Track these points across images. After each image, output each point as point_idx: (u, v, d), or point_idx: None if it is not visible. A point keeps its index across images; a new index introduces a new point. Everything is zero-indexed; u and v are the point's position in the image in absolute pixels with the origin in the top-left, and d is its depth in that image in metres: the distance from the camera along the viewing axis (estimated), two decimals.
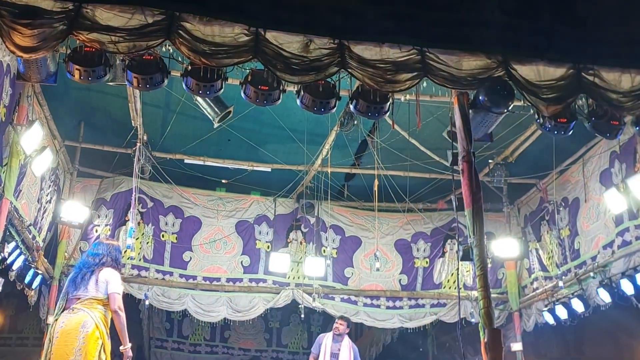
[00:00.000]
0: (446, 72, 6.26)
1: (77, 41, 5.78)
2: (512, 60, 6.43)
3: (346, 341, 9.37)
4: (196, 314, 11.31)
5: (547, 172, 10.59)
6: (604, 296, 9.29)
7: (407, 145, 9.64)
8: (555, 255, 10.82)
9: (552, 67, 6.53)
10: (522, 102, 6.80)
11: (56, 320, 5.82)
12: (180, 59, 6.25)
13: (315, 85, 6.22)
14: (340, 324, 9.45)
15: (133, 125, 9.31)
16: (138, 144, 9.70)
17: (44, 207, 9.75)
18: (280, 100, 6.37)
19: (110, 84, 6.70)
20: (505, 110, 6.60)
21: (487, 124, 6.82)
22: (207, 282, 11.44)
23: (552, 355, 13.79)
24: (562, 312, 10.20)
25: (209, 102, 8.06)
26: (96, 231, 11.01)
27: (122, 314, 5.84)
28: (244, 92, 6.29)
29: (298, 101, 6.37)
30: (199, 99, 7.96)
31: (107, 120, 10.07)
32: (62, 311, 5.84)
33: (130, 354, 5.91)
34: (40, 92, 8.67)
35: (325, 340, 9.38)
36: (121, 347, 5.87)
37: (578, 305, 9.87)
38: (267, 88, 6.21)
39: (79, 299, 5.83)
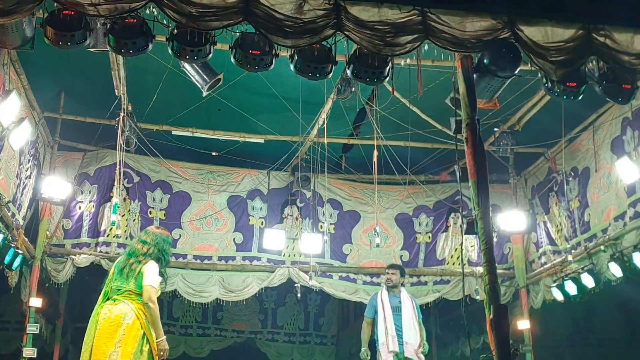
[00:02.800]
0: (449, 34, 6.23)
1: (55, 4, 5.73)
2: (518, 21, 6.40)
3: (405, 293, 8.92)
4: (187, 295, 11.35)
5: (556, 141, 10.59)
6: (615, 271, 9.33)
7: (408, 113, 9.60)
8: (564, 228, 10.87)
9: (561, 28, 6.50)
10: (529, 65, 6.78)
11: (100, 308, 6.07)
12: (165, 22, 6.20)
13: (309, 49, 6.18)
14: (392, 272, 8.95)
15: (117, 94, 9.24)
16: (122, 115, 9.65)
17: (24, 182, 9.73)
18: (272, 66, 6.34)
19: (92, 50, 6.64)
20: (512, 74, 6.58)
21: (493, 89, 6.81)
22: (198, 261, 11.48)
23: (561, 333, 13.95)
24: (571, 288, 10.25)
25: (197, 69, 8.00)
26: (79, 208, 11.02)
27: (154, 306, 6.00)
28: (234, 57, 6.25)
29: (292, 66, 6.33)
30: (186, 65, 7.91)
31: (89, 90, 10.00)
32: (105, 300, 6.11)
33: (166, 346, 6.07)
34: (17, 60, 8.59)
35: (381, 297, 8.86)
36: (156, 340, 6.02)
37: (588, 281, 9.92)
38: (258, 52, 6.17)
39: (119, 289, 6.09)
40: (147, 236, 6.40)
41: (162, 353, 6.05)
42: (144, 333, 5.95)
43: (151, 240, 6.32)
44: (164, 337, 6.08)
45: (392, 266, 9.31)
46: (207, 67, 8.05)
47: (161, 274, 6.24)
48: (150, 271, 6.12)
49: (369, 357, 8.73)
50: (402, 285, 9.03)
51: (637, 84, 6.72)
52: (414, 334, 8.52)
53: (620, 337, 14.06)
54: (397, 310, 8.66)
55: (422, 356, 8.57)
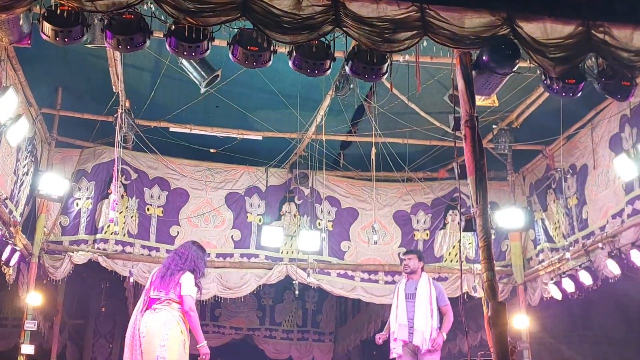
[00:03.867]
0: (448, 31, 6.21)
1: None
2: (517, 17, 6.38)
3: (424, 278, 8.40)
4: None
5: (554, 138, 10.58)
6: (613, 268, 9.32)
7: (407, 110, 9.59)
8: (562, 225, 10.86)
9: (560, 25, 6.47)
10: (528, 62, 6.75)
11: (141, 316, 6.50)
12: (163, 18, 6.17)
13: (308, 45, 6.16)
14: (409, 258, 8.50)
15: (114, 91, 9.22)
16: (120, 111, 9.62)
17: (21, 179, 9.70)
18: (271, 62, 6.32)
19: (89, 46, 6.63)
20: (510, 71, 6.56)
21: (491, 86, 6.78)
22: None
23: (558, 330, 13.92)
24: (568, 285, 10.24)
25: (195, 65, 7.98)
26: (77, 205, 10.99)
27: (194, 314, 6.51)
28: (232, 54, 6.23)
29: (290, 63, 6.31)
30: (184, 61, 7.89)
31: (87, 86, 9.98)
32: (145, 309, 6.54)
33: (207, 350, 6.57)
34: (15, 56, 8.56)
35: (398, 285, 8.63)
36: (197, 345, 6.54)
37: (586, 278, 9.91)
38: (256, 49, 6.15)
39: (159, 299, 6.54)
40: (184, 249, 6.93)
41: (204, 357, 6.55)
42: (184, 339, 6.47)
43: (188, 253, 6.83)
44: (205, 342, 6.58)
45: (407, 252, 8.91)
46: (205, 64, 8.03)
47: (196, 284, 6.69)
48: (188, 282, 6.60)
49: (380, 341, 8.49)
50: (422, 270, 8.58)
51: (636, 80, 6.70)
52: (426, 322, 8.09)
53: (617, 335, 14.03)
54: (411, 297, 8.31)
55: (438, 344, 8.06)
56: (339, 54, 6.56)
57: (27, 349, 9.76)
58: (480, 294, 11.07)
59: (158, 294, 6.59)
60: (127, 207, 11.21)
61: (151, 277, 6.81)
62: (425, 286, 8.33)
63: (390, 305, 12.85)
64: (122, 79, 9.02)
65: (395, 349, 8.25)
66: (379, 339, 8.53)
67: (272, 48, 6.20)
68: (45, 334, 12.05)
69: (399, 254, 8.97)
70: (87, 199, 11.06)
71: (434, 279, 11.77)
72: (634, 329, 13.55)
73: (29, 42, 6.34)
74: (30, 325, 9.90)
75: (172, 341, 6.38)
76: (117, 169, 10.22)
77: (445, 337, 8.13)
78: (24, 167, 9.73)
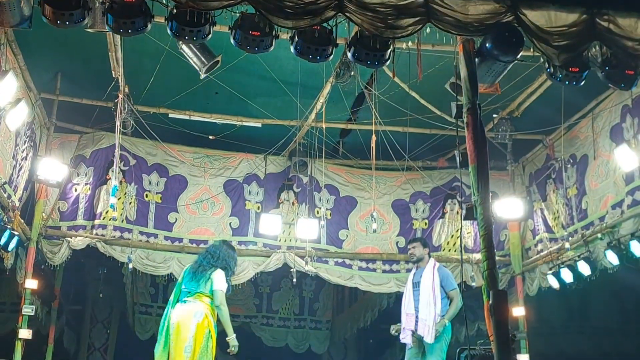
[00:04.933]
0: (451, 17, 6.16)
1: None
2: (522, 5, 6.34)
3: (429, 265, 8.35)
4: None
5: (555, 128, 10.54)
6: (612, 258, 9.31)
7: (407, 98, 9.53)
8: (561, 215, 10.84)
9: (564, 13, 6.44)
10: (531, 50, 6.71)
11: (173, 308, 7.06)
12: (164, 2, 6.12)
13: (310, 30, 6.11)
14: (413, 247, 8.53)
15: (114, 76, 9.16)
16: (119, 97, 9.56)
17: (20, 164, 9.64)
18: (272, 47, 6.26)
19: (89, 30, 6.55)
20: (514, 59, 6.51)
21: (494, 74, 6.75)
22: (194, 245, 11.40)
23: (556, 320, 13.97)
24: (567, 276, 10.22)
25: (195, 50, 7.92)
26: (75, 190, 10.94)
27: (225, 308, 7.01)
28: (234, 38, 6.17)
29: (292, 48, 6.25)
30: (184, 47, 7.82)
31: (86, 71, 9.91)
32: (177, 302, 7.09)
33: (236, 342, 7.09)
34: (14, 40, 8.49)
35: (409, 275, 8.65)
36: (227, 338, 7.06)
37: (584, 268, 9.89)
38: (258, 34, 6.10)
39: (190, 292, 7.07)
40: (215, 248, 7.44)
41: (233, 349, 7.08)
42: (209, 331, 6.90)
43: (220, 252, 7.34)
44: (234, 335, 7.08)
45: (411, 241, 8.90)
46: (205, 49, 7.97)
47: (227, 281, 7.20)
48: (219, 278, 7.10)
49: (395, 332, 8.43)
50: (429, 256, 8.57)
51: (639, 70, 6.66)
52: (429, 311, 8.04)
53: (614, 325, 14.08)
54: (417, 286, 8.30)
55: (437, 330, 7.96)
56: (340, 41, 6.51)
57: (25, 333, 9.74)
58: (478, 283, 11.08)
59: (189, 288, 7.10)
60: (125, 193, 11.16)
61: (183, 272, 7.35)
62: (429, 274, 8.28)
63: (387, 294, 12.99)
64: (122, 64, 8.96)
65: (405, 338, 8.26)
66: (393, 330, 8.49)
67: (274, 33, 6.15)
68: (42, 319, 12.03)
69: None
70: (86, 184, 11.01)
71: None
72: (631, 320, 13.59)
73: (30, 24, 6.26)
74: (28, 310, 9.86)
75: (198, 333, 6.82)
76: (117, 155, 10.14)
77: (447, 322, 8.04)
78: (22, 152, 9.68)
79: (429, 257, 8.52)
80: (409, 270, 11.86)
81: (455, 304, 8.16)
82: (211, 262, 7.23)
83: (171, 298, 7.24)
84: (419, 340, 8.15)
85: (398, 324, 8.42)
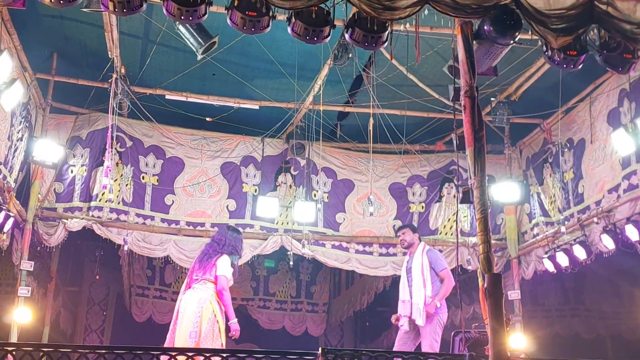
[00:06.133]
0: None
1: None
2: None
3: (419, 250, 8.45)
4: (179, 261, 11.30)
5: (552, 111, 10.53)
6: (608, 242, 9.33)
7: (405, 81, 9.51)
8: (557, 199, 10.86)
9: None
10: (529, 33, 6.68)
11: (183, 295, 7.37)
12: None
13: (307, 11, 6.04)
14: (402, 233, 8.63)
15: (110, 56, 9.12)
16: (115, 77, 9.52)
17: (15, 145, 9.61)
18: (269, 28, 6.21)
19: (85, 10, 6.54)
20: (512, 42, 6.47)
21: (492, 57, 6.70)
22: (191, 228, 11.42)
23: (551, 304, 14.04)
24: (562, 260, 10.26)
25: (192, 31, 7.88)
26: (71, 172, 10.92)
27: (227, 293, 7.28)
28: (230, 19, 6.11)
29: (289, 29, 6.20)
30: (181, 27, 7.79)
31: (82, 52, 9.87)
32: (186, 289, 7.39)
33: (237, 327, 7.27)
34: (9, 20, 8.42)
35: (404, 263, 8.69)
36: (229, 322, 7.26)
37: (580, 252, 9.93)
38: (255, 14, 6.02)
39: (197, 279, 7.36)
40: (220, 235, 7.76)
41: (234, 333, 7.26)
42: (215, 316, 7.14)
43: (225, 238, 7.63)
44: (236, 319, 7.29)
45: (400, 228, 9.03)
46: (202, 30, 7.93)
47: (233, 265, 7.49)
48: (224, 264, 7.38)
49: (395, 322, 8.47)
50: (420, 240, 8.65)
51: (638, 53, 6.63)
52: (419, 294, 8.14)
53: (609, 309, 14.14)
54: (409, 271, 8.41)
55: (427, 312, 8.03)
56: (338, 23, 6.47)
57: (21, 315, 9.75)
58: (473, 266, 11.12)
59: (197, 275, 7.38)
60: (122, 175, 11.14)
61: (193, 262, 7.64)
62: (418, 258, 8.39)
63: (384, 277, 13.02)
64: (118, 45, 8.92)
65: (403, 325, 8.31)
66: (393, 319, 8.53)
67: (270, 14, 6.09)
68: (39, 300, 12.03)
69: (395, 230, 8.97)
70: (82, 166, 10.99)
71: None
72: (626, 304, 13.64)
73: (24, 3, 6.21)
74: (23, 291, 9.88)
75: (203, 318, 7.06)
76: (112, 136, 10.11)
77: (438, 304, 8.10)
78: (18, 133, 9.64)
79: (419, 241, 8.61)
80: (406, 254, 11.99)
81: (446, 285, 8.24)
82: (217, 249, 7.53)
83: (182, 287, 7.56)
84: (414, 324, 8.21)
85: (396, 314, 8.49)
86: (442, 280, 8.26)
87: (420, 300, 8.12)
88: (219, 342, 7.12)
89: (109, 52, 9.02)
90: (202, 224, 11.49)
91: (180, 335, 7.10)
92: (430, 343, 8.02)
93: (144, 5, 6.00)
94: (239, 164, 11.77)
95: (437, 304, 8.07)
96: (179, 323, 7.21)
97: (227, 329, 7.31)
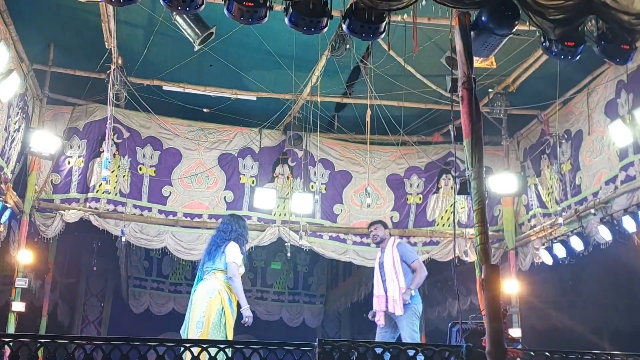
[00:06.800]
0: None
1: None
2: None
3: (390, 244, 8.59)
4: (176, 252, 11.33)
5: (550, 103, 10.52)
6: (605, 234, 9.37)
7: (403, 72, 9.50)
8: (555, 191, 10.87)
9: None
10: (527, 24, 6.66)
11: (196, 287, 7.44)
12: None
13: (305, 2, 6.01)
14: (375, 228, 8.76)
15: (107, 47, 9.09)
16: (112, 68, 9.49)
17: (12, 136, 9.59)
18: (266, 19, 6.19)
19: (82, 0, 6.50)
20: (509, 33, 6.47)
21: (490, 48, 6.71)
22: (188, 219, 11.43)
23: (548, 295, 14.03)
24: (560, 251, 10.29)
25: (189, 22, 7.87)
26: (68, 163, 10.91)
27: (236, 280, 7.26)
28: (227, 9, 6.09)
29: (286, 20, 6.18)
30: (178, 18, 7.77)
31: (79, 42, 9.83)
32: (199, 281, 7.44)
33: (249, 313, 7.28)
34: (6, 11, 8.38)
35: (376, 259, 8.81)
36: (241, 309, 7.26)
37: (577, 244, 9.97)
38: (252, 4, 6.00)
39: (207, 270, 7.39)
40: (225, 225, 7.72)
41: (246, 319, 7.27)
42: (223, 307, 7.15)
43: (233, 225, 7.64)
44: (248, 305, 7.29)
45: (372, 223, 9.08)
46: (199, 21, 7.91)
47: (243, 251, 7.53)
48: (232, 250, 7.38)
49: (371, 317, 8.60)
50: (391, 235, 8.86)
51: (635, 44, 6.63)
52: (393, 287, 8.28)
53: (606, 301, 14.15)
54: (382, 266, 8.55)
55: (404, 299, 8.16)
56: (335, 13, 6.45)
57: (18, 306, 9.76)
58: (471, 258, 11.13)
59: (207, 267, 7.41)
60: (119, 166, 11.14)
61: (203, 254, 7.69)
62: (389, 252, 8.52)
63: None
64: (115, 35, 8.89)
65: (379, 320, 8.42)
66: (370, 315, 8.65)
67: (268, 4, 6.07)
68: (36, 291, 12.05)
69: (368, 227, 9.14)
70: (79, 157, 10.98)
71: (425, 243, 11.98)
72: (623, 295, 13.65)
73: None
74: (21, 282, 9.87)
75: (210, 309, 7.12)
76: (109, 127, 10.09)
77: (413, 292, 8.25)
78: (15, 124, 9.62)
79: (390, 236, 8.77)
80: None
81: (419, 274, 8.41)
82: (224, 237, 7.52)
83: (195, 281, 7.61)
84: (390, 318, 8.33)
85: (373, 310, 8.59)
86: (414, 271, 8.42)
87: (395, 292, 8.26)
88: (224, 335, 7.12)
89: (106, 43, 8.99)
90: (200, 215, 11.50)
91: (190, 327, 7.22)
92: (410, 334, 8.15)
93: None
94: (236, 155, 11.77)
95: (412, 292, 8.22)
96: (191, 316, 7.27)
97: (240, 316, 7.33)
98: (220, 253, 7.39)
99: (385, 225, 8.92)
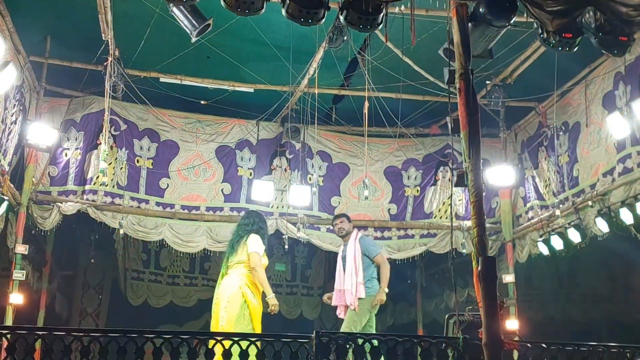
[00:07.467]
0: None
1: None
2: None
3: (352, 237, 8.58)
4: (174, 245, 11.32)
5: (548, 95, 10.52)
6: (602, 226, 9.38)
7: (400, 64, 9.47)
8: (552, 183, 10.88)
9: None
10: (524, 16, 6.65)
11: (220, 281, 7.60)
12: None
13: None
14: (341, 221, 8.73)
15: (104, 39, 9.05)
16: (109, 59, 9.46)
17: (9, 128, 9.57)
18: (263, 10, 6.17)
19: None
20: (507, 24, 6.45)
21: (487, 39, 6.68)
22: (186, 211, 11.42)
23: (545, 287, 14.08)
24: (557, 243, 10.31)
25: (186, 13, 7.80)
26: (65, 155, 10.88)
27: (260, 270, 7.45)
28: (224, 0, 6.08)
29: (283, 11, 6.16)
30: (175, 9, 7.71)
31: (76, 34, 9.80)
32: (224, 276, 7.58)
33: (275, 302, 7.48)
34: (2, 2, 8.32)
35: (339, 252, 8.83)
36: (266, 298, 7.44)
37: (574, 236, 9.99)
38: None
39: (231, 265, 7.57)
40: (245, 219, 8.00)
41: (273, 308, 7.48)
42: (245, 300, 7.28)
43: (251, 219, 7.88)
44: (273, 294, 7.47)
45: (337, 216, 9.06)
46: (196, 12, 7.86)
47: (263, 243, 7.68)
48: (254, 241, 7.59)
49: (327, 300, 8.73)
50: (353, 229, 8.82)
51: (633, 36, 6.62)
52: (352, 280, 8.26)
53: (603, 292, 14.21)
54: (344, 260, 8.53)
55: (380, 300, 8.20)
56: (333, 5, 6.43)
57: (16, 298, 9.76)
58: (468, 250, 11.13)
59: (231, 262, 7.59)
60: (116, 158, 11.11)
61: (228, 246, 7.92)
62: (352, 246, 8.49)
63: None
64: (112, 27, 8.85)
65: (340, 314, 8.47)
66: (326, 297, 8.78)
67: None
68: (34, 284, 12.05)
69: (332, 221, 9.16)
70: (76, 149, 10.95)
71: (423, 235, 11.99)
72: (620, 287, 13.72)
73: None
74: (18, 275, 9.87)
75: (232, 304, 7.25)
76: (107, 119, 10.06)
77: (386, 290, 8.27)
78: (12, 116, 9.59)
79: (353, 230, 8.75)
80: (400, 237, 12.06)
81: (384, 269, 8.41)
82: (246, 229, 7.75)
83: (219, 276, 7.74)
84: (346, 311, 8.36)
85: (330, 292, 8.67)
86: (377, 265, 8.41)
87: (352, 286, 8.25)
88: (250, 327, 7.19)
89: (103, 35, 8.95)
90: (197, 208, 11.49)
91: (213, 322, 7.39)
92: (347, 325, 8.16)
93: None
94: (234, 147, 11.76)
95: (385, 290, 8.25)
96: (213, 310, 7.45)
97: (266, 304, 7.49)
98: (242, 244, 7.59)
99: (349, 219, 8.89)
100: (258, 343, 5.29)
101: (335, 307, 8.56)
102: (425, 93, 10.55)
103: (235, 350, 5.19)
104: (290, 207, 11.52)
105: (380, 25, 6.40)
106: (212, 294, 14.98)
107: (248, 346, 5.20)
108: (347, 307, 8.30)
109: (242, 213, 11.35)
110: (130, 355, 5.08)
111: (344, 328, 8.11)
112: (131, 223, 11.02)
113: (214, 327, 7.38)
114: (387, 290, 8.27)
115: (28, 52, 9.77)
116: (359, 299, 8.16)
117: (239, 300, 7.28)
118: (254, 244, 7.58)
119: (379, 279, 8.32)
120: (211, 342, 5.27)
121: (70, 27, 9.66)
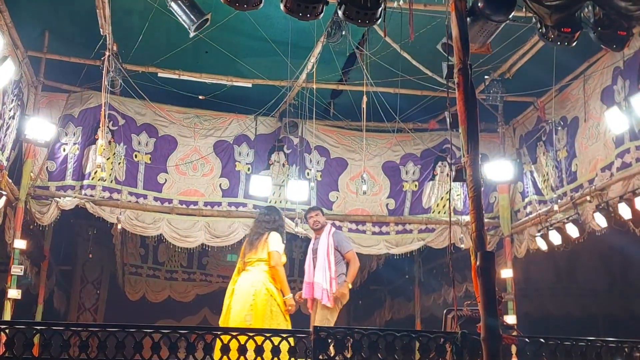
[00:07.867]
0: None
1: None
2: None
3: (325, 232, 8.53)
4: (172, 240, 11.31)
5: (546, 89, 10.53)
6: (600, 221, 9.38)
7: (399, 59, 9.47)
8: (550, 178, 10.88)
9: None
10: (523, 10, 6.65)
11: (237, 278, 7.54)
12: None
13: None
14: (316, 214, 8.70)
15: (102, 34, 9.03)
16: (107, 54, 9.44)
17: (7, 123, 9.55)
18: (262, 5, 6.18)
19: None
20: (506, 19, 6.45)
21: (486, 34, 6.68)
22: (184, 206, 11.41)
23: (544, 282, 14.12)
24: (555, 238, 10.33)
25: (184, 8, 7.81)
26: (64, 150, 10.87)
27: (280, 269, 7.46)
28: None
29: (281, 5, 6.16)
30: (173, 4, 7.71)
31: (74, 29, 9.79)
32: (241, 272, 7.54)
33: (293, 302, 7.45)
34: None
35: (310, 245, 8.81)
36: (284, 297, 7.39)
37: (572, 231, 9.99)
38: None
39: (250, 261, 7.52)
40: (264, 215, 7.96)
41: (290, 307, 7.39)
42: (271, 295, 7.25)
43: (271, 216, 7.86)
44: (291, 294, 7.44)
45: (311, 209, 9.05)
46: (194, 7, 7.86)
47: (283, 241, 7.71)
48: (274, 240, 7.60)
49: (297, 298, 8.37)
50: (328, 222, 8.88)
51: (632, 30, 6.63)
52: (324, 274, 8.18)
53: (601, 287, 14.25)
54: (315, 253, 8.49)
55: (342, 293, 8.16)
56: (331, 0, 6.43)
57: (14, 293, 9.75)
58: (466, 245, 11.15)
59: (250, 257, 7.56)
60: (114, 153, 11.10)
61: (244, 244, 7.85)
62: (324, 240, 8.45)
63: (377, 256, 13.07)
64: (110, 22, 8.83)
65: (308, 307, 8.47)
66: (297, 296, 8.37)
67: None
68: (32, 279, 12.05)
69: (305, 214, 9.13)
70: (74, 144, 10.94)
71: (421, 230, 11.99)
72: (618, 282, 13.75)
73: None
74: (16, 270, 9.86)
75: (256, 301, 7.19)
76: (104, 114, 10.04)
77: (350, 285, 8.30)
78: (10, 111, 9.57)
79: (327, 223, 8.76)
80: (398, 232, 12.06)
81: (353, 265, 8.43)
82: (266, 227, 7.73)
83: (235, 272, 7.71)
84: (315, 304, 8.30)
85: (300, 291, 8.55)
86: (348, 261, 8.42)
87: (323, 280, 8.19)
88: (277, 322, 7.17)
89: (101, 29, 8.92)
90: (195, 203, 11.48)
91: (235, 318, 7.23)
92: (321, 321, 8.11)
93: None
94: (232, 142, 11.75)
95: (349, 285, 8.27)
96: (232, 305, 7.32)
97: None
98: (262, 242, 7.58)
99: (323, 212, 8.94)
100: (291, 339, 5.33)
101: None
102: (423, 88, 10.53)
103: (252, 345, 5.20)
104: (288, 202, 11.50)
105: (379, 20, 6.39)
106: (210, 289, 14.94)
107: (247, 341, 5.22)
108: (314, 300, 8.26)
109: (240, 208, 11.49)
110: (129, 349, 5.09)
111: (319, 321, 8.05)
112: (129, 218, 11.01)
113: (225, 321, 7.29)
114: (350, 286, 8.32)
115: (26, 47, 9.73)
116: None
117: (264, 297, 7.25)
118: (275, 243, 7.58)
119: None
120: (242, 338, 5.29)
121: (68, 22, 9.64)
